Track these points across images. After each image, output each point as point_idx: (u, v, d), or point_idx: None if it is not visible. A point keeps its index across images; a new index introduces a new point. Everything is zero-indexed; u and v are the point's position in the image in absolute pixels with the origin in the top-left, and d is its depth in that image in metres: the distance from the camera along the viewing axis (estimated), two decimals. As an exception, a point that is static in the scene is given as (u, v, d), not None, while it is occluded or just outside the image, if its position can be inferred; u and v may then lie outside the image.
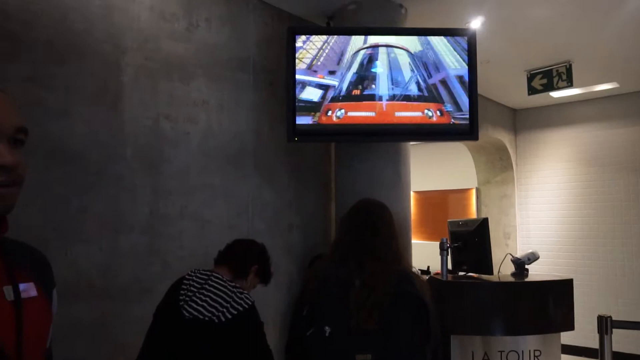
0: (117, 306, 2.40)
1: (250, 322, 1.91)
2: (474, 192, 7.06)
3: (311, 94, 2.97)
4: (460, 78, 3.05)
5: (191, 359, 1.83)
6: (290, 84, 2.96)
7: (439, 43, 3.06)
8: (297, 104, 2.95)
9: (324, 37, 3.02)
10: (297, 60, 2.97)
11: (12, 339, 0.85)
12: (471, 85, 3.05)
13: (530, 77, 4.80)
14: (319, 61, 2.99)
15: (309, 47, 3.00)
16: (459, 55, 3.06)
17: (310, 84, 2.97)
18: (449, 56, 3.05)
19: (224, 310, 1.86)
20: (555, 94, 5.59)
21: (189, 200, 2.75)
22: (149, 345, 1.94)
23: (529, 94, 4.88)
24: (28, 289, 0.92)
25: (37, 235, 2.03)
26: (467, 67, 3.05)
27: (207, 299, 1.89)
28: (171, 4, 2.75)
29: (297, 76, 2.96)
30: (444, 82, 3.04)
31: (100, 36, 2.42)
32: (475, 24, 3.67)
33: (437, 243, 3.11)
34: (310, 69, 2.98)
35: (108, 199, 2.41)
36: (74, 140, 2.29)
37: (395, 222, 1.98)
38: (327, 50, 3.01)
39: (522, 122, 6.62)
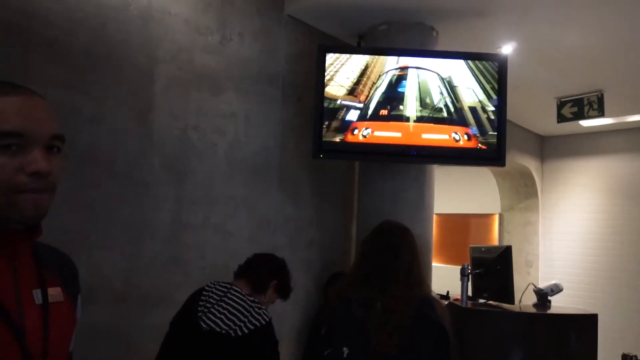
0: (136, 312, 2.41)
1: (266, 339, 1.90)
2: (496, 217, 6.96)
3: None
4: (489, 103, 3.02)
5: None
6: (319, 101, 2.98)
7: (469, 67, 3.04)
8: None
9: (354, 55, 3.04)
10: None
11: (39, 342, 0.87)
12: (500, 110, 3.02)
13: (560, 105, 4.74)
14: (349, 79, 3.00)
15: (339, 64, 3.02)
16: (489, 80, 3.04)
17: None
18: (478, 80, 3.03)
19: (241, 324, 1.86)
20: (585, 123, 5.50)
21: (212, 211, 2.77)
22: (164, 353, 1.95)
23: (558, 122, 4.81)
24: (55, 294, 0.94)
25: (62, 238, 2.05)
26: (496, 92, 3.03)
27: (225, 311, 1.88)
28: (206, 18, 2.80)
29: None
30: (472, 106, 3.02)
31: (135, 46, 2.47)
32: (507, 49, 3.65)
33: (456, 267, 3.07)
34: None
35: (133, 206, 2.44)
36: (103, 147, 2.33)
37: (417, 245, 1.96)
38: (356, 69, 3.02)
39: (549, 149, 6.52)
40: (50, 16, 2.17)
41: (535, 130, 6.35)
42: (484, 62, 3.05)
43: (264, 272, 2.09)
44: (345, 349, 1.78)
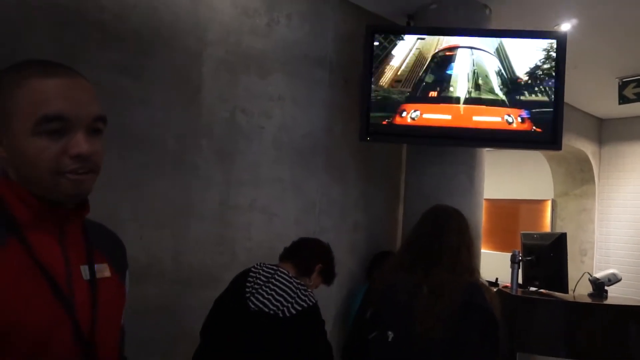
0: (184, 291, 2.48)
1: (313, 320, 1.92)
2: (549, 204, 6.70)
3: (386, 94, 2.92)
4: (545, 84, 2.88)
5: (253, 349, 1.86)
6: (366, 83, 2.93)
7: (525, 46, 2.90)
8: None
9: (403, 36, 2.96)
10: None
11: (87, 317, 0.89)
12: (557, 92, 2.88)
13: (622, 85, 4.47)
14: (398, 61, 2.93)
15: (388, 44, 2.95)
16: (546, 60, 2.89)
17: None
18: (534, 60, 2.89)
19: (289, 305, 1.88)
20: (649, 105, 5.18)
21: (258, 193, 2.80)
22: (210, 331, 1.99)
23: (619, 103, 4.55)
24: (103, 269, 0.96)
25: (113, 218, 2.13)
26: (554, 72, 2.88)
27: (273, 292, 1.91)
28: (254, 0, 2.79)
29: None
30: (527, 88, 2.88)
31: (185, 29, 2.50)
32: (565, 26, 3.47)
33: (505, 254, 2.98)
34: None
35: (182, 187, 2.49)
36: (153, 129, 2.38)
37: (469, 230, 1.90)
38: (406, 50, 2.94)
39: (608, 132, 6.19)
40: (103, 1, 2.22)
41: (594, 113, 6.04)
42: (540, 41, 2.91)
43: (310, 256, 2.12)
44: (390, 333, 1.77)
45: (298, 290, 1.92)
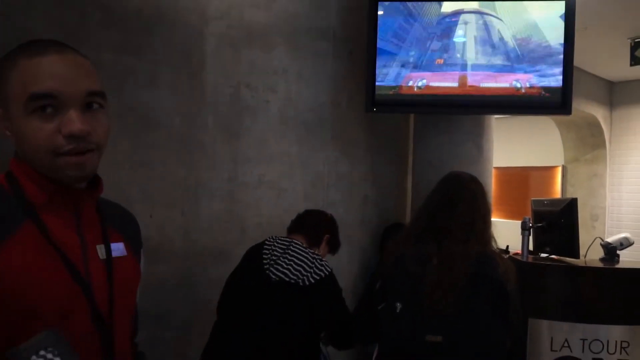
0: (196, 267, 2.51)
1: (332, 287, 1.98)
2: (559, 170, 6.65)
3: (392, 64, 2.88)
4: (553, 47, 2.82)
5: (276, 319, 1.90)
6: (371, 53, 2.89)
7: (532, 9, 2.83)
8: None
9: (407, 3, 2.90)
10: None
11: (104, 296, 0.90)
12: (566, 55, 2.81)
13: (635, 46, 4.38)
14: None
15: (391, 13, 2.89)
16: (554, 22, 2.82)
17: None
18: (542, 23, 2.82)
19: (308, 274, 1.92)
20: (662, 65, 5.07)
21: (266, 168, 2.80)
22: (228, 308, 2.02)
23: (631, 65, 4.47)
24: (119, 248, 0.96)
25: (124, 197, 2.14)
26: (562, 35, 2.81)
27: (292, 262, 1.95)
28: (254, -28, 2.74)
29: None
30: (535, 52, 2.82)
31: (186, 5, 2.46)
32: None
33: (515, 222, 2.96)
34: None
35: (190, 166, 2.50)
36: (159, 108, 2.38)
37: (484, 198, 1.86)
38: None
39: (620, 96, 6.09)
40: (102, -21, 2.19)
41: (604, 76, 5.93)
42: (549, 2, 2.83)
43: (317, 227, 2.18)
44: (398, 304, 1.77)
45: (315, 260, 1.97)
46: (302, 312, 1.92)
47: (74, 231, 0.89)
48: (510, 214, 7.01)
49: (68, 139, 0.82)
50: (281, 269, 1.94)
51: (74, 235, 0.89)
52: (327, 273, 1.96)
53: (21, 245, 0.81)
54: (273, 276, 1.93)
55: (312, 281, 1.92)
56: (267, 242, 2.06)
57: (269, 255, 2.00)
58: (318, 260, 1.98)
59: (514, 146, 7.14)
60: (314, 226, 2.18)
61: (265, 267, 1.96)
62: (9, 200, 0.85)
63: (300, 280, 1.91)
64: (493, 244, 1.83)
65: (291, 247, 2.02)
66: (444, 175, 1.94)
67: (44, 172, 0.85)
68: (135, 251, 1.04)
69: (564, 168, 6.50)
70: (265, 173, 2.79)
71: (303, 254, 1.99)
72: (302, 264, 1.95)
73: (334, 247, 2.26)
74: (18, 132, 0.84)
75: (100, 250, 0.92)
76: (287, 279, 1.92)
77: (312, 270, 1.94)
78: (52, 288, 0.83)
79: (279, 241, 2.06)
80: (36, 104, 0.81)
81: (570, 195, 6.18)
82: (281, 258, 1.98)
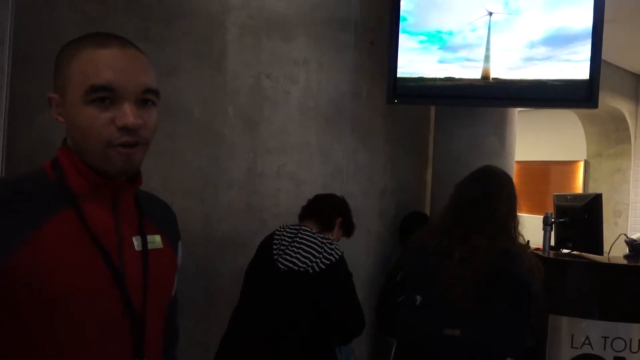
0: (216, 257, 2.52)
1: (341, 272, 1.96)
2: (581, 165, 6.53)
3: (413, 55, 2.84)
4: (580, 39, 2.75)
5: (287, 308, 1.90)
6: (393, 44, 2.85)
7: (559, 2, 2.76)
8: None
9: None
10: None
11: (138, 288, 0.90)
12: (594, 47, 2.74)
13: (663, 39, 4.25)
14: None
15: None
16: (582, 14, 2.75)
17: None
18: (570, 15, 2.75)
19: (317, 261, 1.91)
20: (692, 58, 4.93)
21: (286, 159, 2.79)
22: (248, 298, 2.03)
23: (659, 58, 4.34)
24: (155, 241, 0.97)
25: (147, 186, 2.15)
26: (590, 27, 2.74)
27: (300, 250, 1.94)
28: (275, -39, 2.72)
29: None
30: (562, 45, 2.76)
31: (207, -6, 2.46)
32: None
33: (536, 216, 2.92)
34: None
35: (210, 155, 2.50)
36: (180, 98, 2.38)
37: (516, 197, 1.82)
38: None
39: (647, 89, 5.94)
40: (125, -32, 2.19)
41: (631, 69, 5.79)
42: (576, -7, 2.76)
43: (329, 211, 2.16)
44: (418, 297, 1.76)
45: (324, 245, 1.95)
46: (313, 300, 1.90)
47: (112, 222, 0.90)
48: (531, 209, 6.90)
49: (121, 130, 0.84)
50: (289, 258, 1.93)
51: (111, 226, 0.89)
52: (337, 257, 1.93)
53: (58, 229, 0.83)
54: (282, 266, 1.93)
55: (322, 267, 1.90)
56: (277, 232, 2.07)
57: (278, 245, 2.00)
58: (327, 245, 1.96)
59: (535, 140, 7.02)
60: (325, 210, 2.15)
61: (275, 257, 1.96)
62: (51, 186, 0.87)
63: (309, 268, 1.89)
64: (521, 239, 1.81)
65: (299, 234, 2.01)
66: (475, 170, 1.90)
67: (92, 161, 0.87)
68: (173, 244, 1.05)
69: (586, 163, 6.38)
70: (284, 163, 2.79)
71: (311, 239, 1.97)
72: (311, 250, 1.93)
73: (348, 230, 2.22)
74: (74, 119, 0.86)
75: (137, 241, 0.93)
76: (295, 268, 1.90)
77: (321, 256, 1.92)
78: (85, 275, 0.84)
79: (288, 230, 2.05)
80: (96, 95, 0.84)
81: (592, 190, 6.07)
82: (290, 247, 1.97)
